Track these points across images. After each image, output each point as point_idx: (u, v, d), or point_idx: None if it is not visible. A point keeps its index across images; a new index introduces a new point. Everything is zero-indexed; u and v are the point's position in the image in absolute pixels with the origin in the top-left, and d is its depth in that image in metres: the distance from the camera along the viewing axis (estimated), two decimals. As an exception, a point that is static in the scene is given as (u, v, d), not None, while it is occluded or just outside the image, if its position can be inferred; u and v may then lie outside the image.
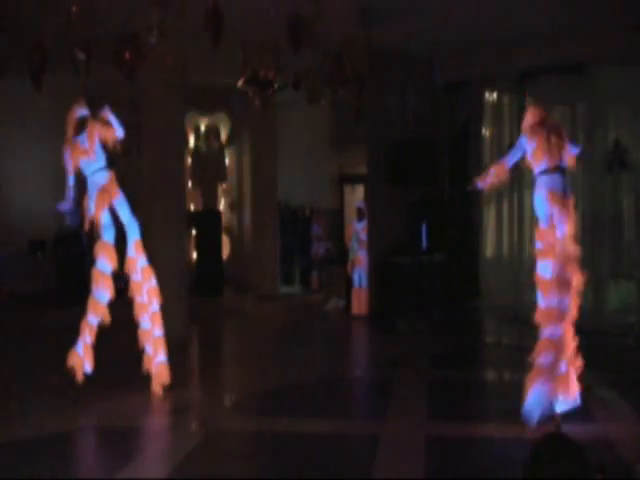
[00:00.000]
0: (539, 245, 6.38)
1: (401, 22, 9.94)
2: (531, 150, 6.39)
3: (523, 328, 10.69)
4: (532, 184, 11.24)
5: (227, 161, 15.77)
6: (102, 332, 7.35)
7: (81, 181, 7.39)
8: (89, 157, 7.18)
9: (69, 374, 7.25)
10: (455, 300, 11.98)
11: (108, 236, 7.21)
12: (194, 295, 12.47)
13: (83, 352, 7.30)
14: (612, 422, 6.36)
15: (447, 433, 6.19)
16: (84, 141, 7.19)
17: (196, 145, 15.30)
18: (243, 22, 8.61)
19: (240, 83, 9.16)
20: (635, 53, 9.85)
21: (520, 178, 11.58)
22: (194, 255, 14.38)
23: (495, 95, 12.22)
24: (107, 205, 7.14)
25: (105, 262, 7.22)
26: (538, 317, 6.27)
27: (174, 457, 5.77)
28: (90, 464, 5.91)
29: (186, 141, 14.34)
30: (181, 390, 7.54)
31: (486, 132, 12.34)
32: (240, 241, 15.67)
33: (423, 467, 5.36)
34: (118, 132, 7.28)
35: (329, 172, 16.54)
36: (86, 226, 7.28)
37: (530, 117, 6.45)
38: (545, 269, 6.29)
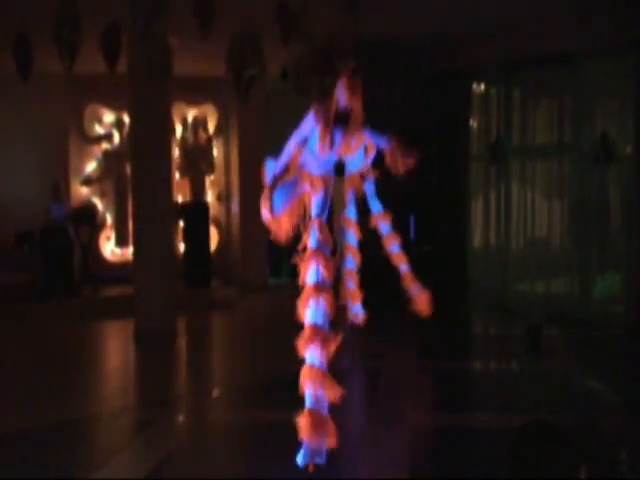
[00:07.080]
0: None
1: (388, 11, 9.93)
2: None
3: (508, 317, 10.91)
4: (518, 175, 11.49)
5: (215, 152, 15.70)
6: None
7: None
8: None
9: None
10: (442, 290, 11.99)
11: (351, 212, 8.56)
12: (182, 286, 12.48)
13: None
14: (597, 412, 6.41)
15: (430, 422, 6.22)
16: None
17: (183, 136, 15.24)
18: (230, 12, 8.58)
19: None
20: (621, 44, 9.88)
21: (506, 169, 11.67)
22: (182, 246, 14.33)
23: (483, 86, 12.23)
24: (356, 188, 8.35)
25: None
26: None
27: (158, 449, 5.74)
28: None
29: (173, 132, 14.26)
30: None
31: (473, 123, 12.36)
32: (228, 232, 15.62)
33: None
34: None
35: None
36: None
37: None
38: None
